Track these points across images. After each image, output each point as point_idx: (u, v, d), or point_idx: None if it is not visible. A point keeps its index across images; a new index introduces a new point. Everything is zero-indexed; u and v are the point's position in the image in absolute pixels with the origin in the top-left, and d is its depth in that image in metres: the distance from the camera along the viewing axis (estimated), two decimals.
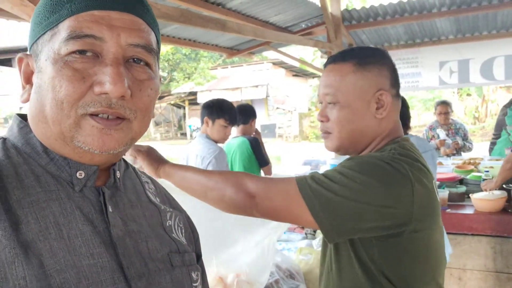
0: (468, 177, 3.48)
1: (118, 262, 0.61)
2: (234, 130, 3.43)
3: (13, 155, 0.62)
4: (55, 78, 0.59)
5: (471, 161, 4.26)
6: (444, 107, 5.18)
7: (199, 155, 2.78)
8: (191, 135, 21.91)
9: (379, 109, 1.14)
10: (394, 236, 1.04)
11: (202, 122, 2.92)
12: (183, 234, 0.78)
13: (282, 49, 5.93)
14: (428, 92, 18.23)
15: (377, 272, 1.07)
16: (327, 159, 4.87)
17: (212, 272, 1.69)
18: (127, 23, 0.62)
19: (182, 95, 23.69)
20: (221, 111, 2.85)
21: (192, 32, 4.58)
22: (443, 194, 3.04)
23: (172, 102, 24.79)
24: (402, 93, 1.26)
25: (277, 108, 22.58)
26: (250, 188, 1.10)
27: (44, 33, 0.62)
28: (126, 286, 0.60)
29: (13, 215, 0.56)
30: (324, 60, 1.30)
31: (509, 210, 2.92)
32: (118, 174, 0.70)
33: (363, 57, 1.16)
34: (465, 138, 5.18)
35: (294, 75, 23.26)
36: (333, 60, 1.20)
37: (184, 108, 25.27)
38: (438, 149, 4.97)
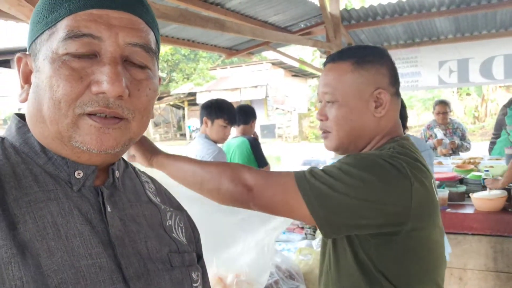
0: (468, 176, 3.47)
1: (116, 262, 0.61)
2: (234, 131, 3.43)
3: (11, 155, 0.62)
4: (52, 78, 0.59)
5: (471, 160, 4.26)
6: (442, 106, 5.18)
7: (198, 156, 2.78)
8: (190, 136, 21.93)
9: (378, 108, 1.14)
10: (391, 235, 1.04)
11: (201, 123, 2.92)
12: (184, 234, 0.78)
13: (281, 49, 5.93)
14: (428, 92, 18.23)
15: (376, 271, 1.06)
16: (326, 159, 4.87)
17: (211, 272, 1.68)
18: (125, 22, 0.62)
19: (181, 96, 23.70)
20: (220, 111, 2.85)
21: (191, 32, 4.58)
22: (443, 193, 3.03)
23: (171, 103, 24.80)
24: (401, 92, 1.26)
25: (277, 108, 22.60)
26: (247, 181, 1.08)
27: (43, 32, 0.62)
28: (124, 286, 0.60)
29: (11, 215, 0.55)
30: (324, 60, 1.30)
31: (509, 210, 2.92)
32: (117, 173, 0.70)
33: (361, 56, 1.16)
34: (463, 138, 5.18)
35: (293, 75, 23.28)
36: (332, 59, 1.20)
37: (183, 108, 25.28)
38: (435, 148, 4.96)
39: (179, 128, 26.09)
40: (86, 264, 0.57)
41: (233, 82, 21.93)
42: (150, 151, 1.21)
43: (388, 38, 5.64)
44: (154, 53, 0.67)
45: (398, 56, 5.73)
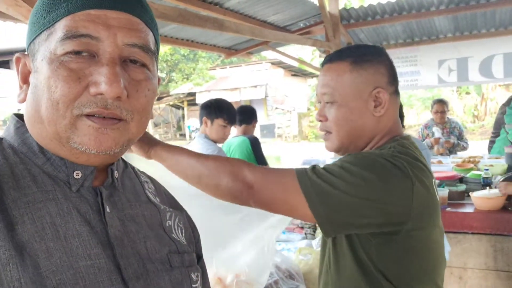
0: (468, 175, 3.47)
1: (115, 263, 0.61)
2: (234, 131, 3.43)
3: (10, 155, 0.62)
4: (50, 78, 0.59)
5: (471, 159, 4.25)
6: (440, 105, 5.17)
7: None
8: (190, 136, 21.90)
9: (377, 107, 1.14)
10: (391, 234, 1.04)
11: (201, 123, 2.92)
12: (183, 234, 0.77)
13: (281, 48, 5.92)
14: (427, 91, 18.23)
15: (375, 271, 1.06)
16: (326, 159, 4.86)
17: (211, 272, 1.68)
18: (124, 22, 0.62)
19: (181, 96, 23.68)
20: (220, 111, 2.84)
21: (190, 32, 4.58)
22: (443, 192, 3.03)
23: (171, 103, 24.78)
24: (400, 92, 1.26)
25: (276, 108, 22.59)
26: (248, 178, 1.07)
27: (41, 32, 0.61)
28: (123, 287, 0.60)
29: (9, 216, 0.55)
30: (323, 59, 1.28)
31: (509, 208, 2.92)
32: (116, 174, 0.69)
33: (359, 55, 1.15)
34: (460, 137, 5.17)
35: (293, 75, 23.28)
36: (329, 59, 1.20)
37: (183, 109, 25.27)
38: (432, 147, 4.96)
39: (179, 128, 26.07)
40: (85, 265, 0.57)
41: (232, 82, 21.92)
42: (147, 142, 1.17)
43: (387, 37, 5.65)
44: (153, 53, 0.66)
45: (397, 55, 5.73)
